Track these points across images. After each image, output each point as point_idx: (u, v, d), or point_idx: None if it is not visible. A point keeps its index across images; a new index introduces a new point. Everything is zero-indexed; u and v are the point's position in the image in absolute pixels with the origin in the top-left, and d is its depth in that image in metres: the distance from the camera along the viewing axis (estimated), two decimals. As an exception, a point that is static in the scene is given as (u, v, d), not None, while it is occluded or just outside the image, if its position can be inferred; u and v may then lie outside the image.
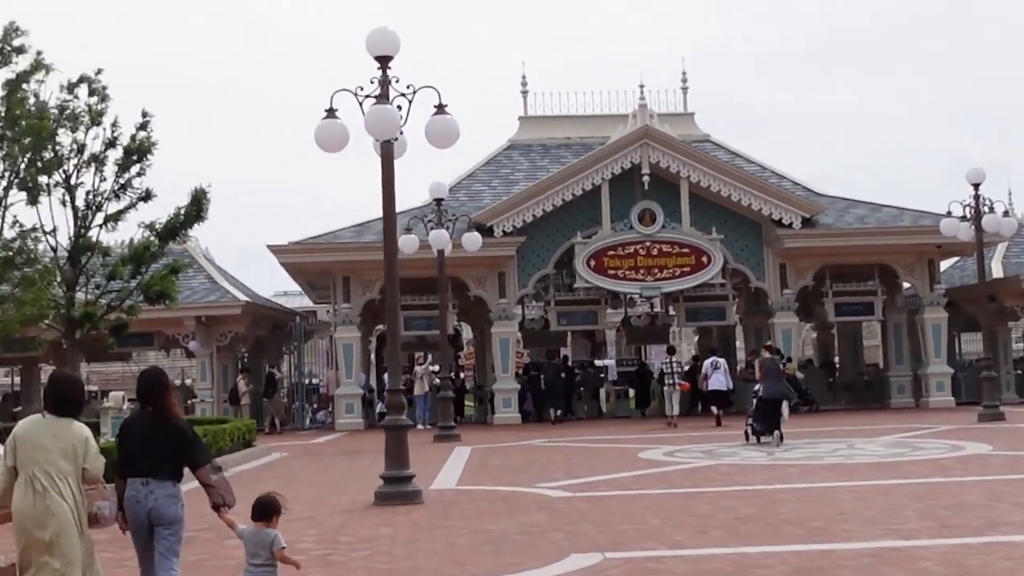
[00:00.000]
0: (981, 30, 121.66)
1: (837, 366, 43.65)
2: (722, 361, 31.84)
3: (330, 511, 14.56)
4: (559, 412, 34.35)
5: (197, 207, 23.09)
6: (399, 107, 15.45)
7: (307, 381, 44.31)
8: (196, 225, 23.41)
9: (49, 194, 22.43)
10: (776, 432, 22.20)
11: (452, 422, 27.28)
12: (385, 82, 15.41)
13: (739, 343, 43.87)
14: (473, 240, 27.73)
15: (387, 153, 15.48)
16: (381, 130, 15.00)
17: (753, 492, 14.99)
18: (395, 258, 15.66)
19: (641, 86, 36.29)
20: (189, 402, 37.80)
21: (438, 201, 27.31)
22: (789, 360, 34.69)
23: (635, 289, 35.15)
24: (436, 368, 30.53)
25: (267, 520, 7.82)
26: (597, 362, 48.62)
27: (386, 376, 37.79)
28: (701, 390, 33.04)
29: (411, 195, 32.59)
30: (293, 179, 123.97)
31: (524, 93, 39.76)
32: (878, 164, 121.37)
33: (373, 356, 46.48)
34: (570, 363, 38.56)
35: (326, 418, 38.43)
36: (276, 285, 56.79)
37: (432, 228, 27.01)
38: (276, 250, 33.85)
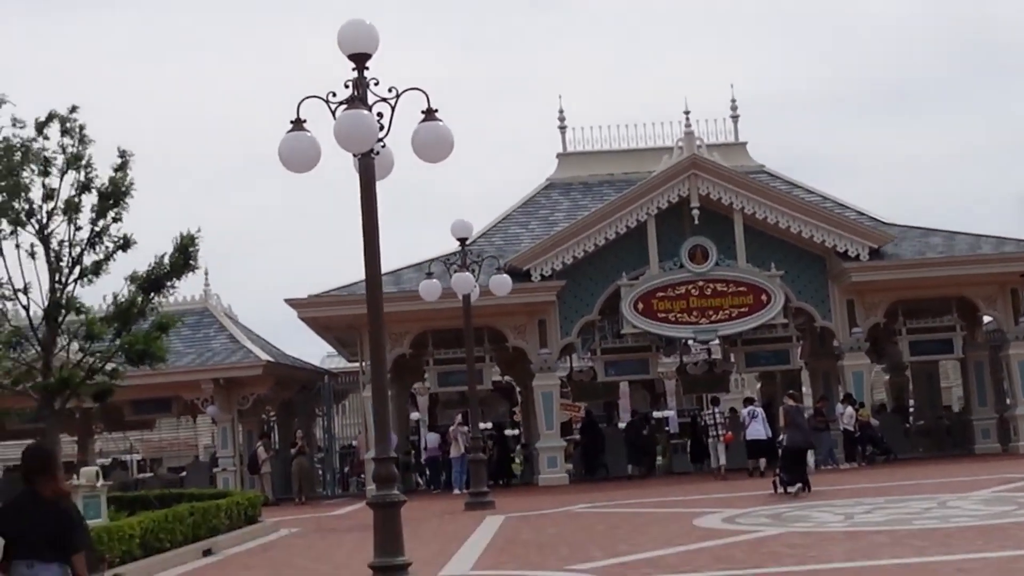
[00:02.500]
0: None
1: (912, 410, 40.29)
2: (760, 410, 29.28)
3: (303, 613, 11.75)
4: (643, 469, 33.20)
5: (184, 255, 20.57)
6: (379, 115, 12.72)
7: (349, 444, 41.63)
8: (185, 275, 20.91)
9: (17, 245, 20.04)
10: (802, 482, 22.01)
11: (484, 487, 24.32)
12: (361, 84, 12.65)
13: (805, 388, 40.60)
14: (502, 284, 24.88)
15: (366, 170, 12.71)
16: (354, 140, 12.23)
17: (834, 574, 11.94)
18: (379, 297, 12.86)
19: (687, 113, 33.38)
20: (214, 471, 35.17)
21: (462, 241, 24.47)
22: (862, 406, 31.68)
23: (688, 333, 32.15)
24: (467, 428, 27.60)
25: None
26: (656, 414, 45.95)
27: (426, 437, 35.48)
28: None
29: (446, 246, 29.56)
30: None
31: (562, 128, 37.03)
32: (941, 207, 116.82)
33: (427, 416, 43.97)
34: (635, 417, 36.66)
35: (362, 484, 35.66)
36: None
37: (456, 272, 24.19)
38: (294, 304, 31.21)
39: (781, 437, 23.42)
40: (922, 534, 14.74)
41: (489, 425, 47.60)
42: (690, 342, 36.09)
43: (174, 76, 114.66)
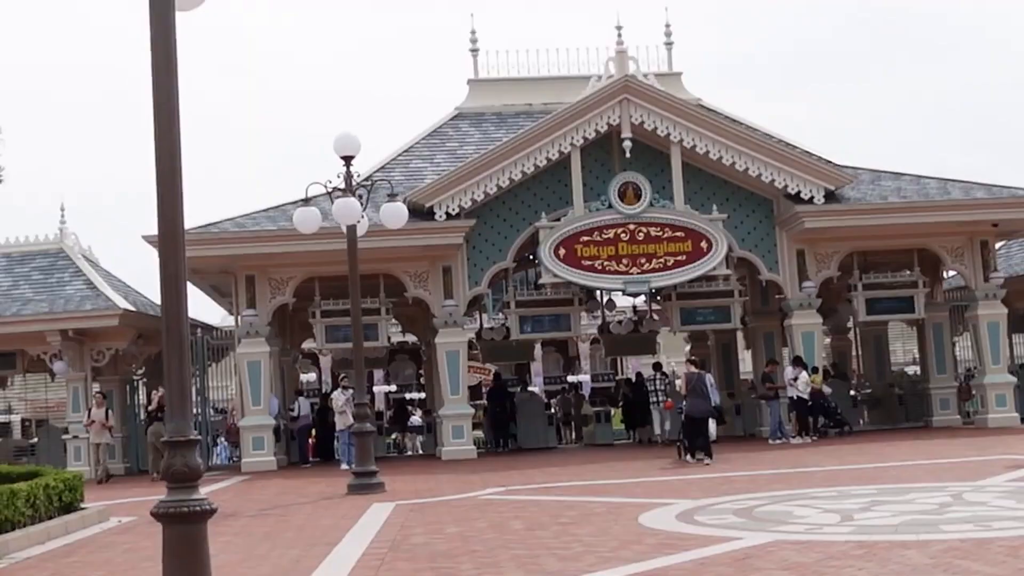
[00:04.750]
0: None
1: (856, 377, 36.46)
2: (708, 376, 25.20)
3: None
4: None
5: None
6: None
7: (227, 408, 36.86)
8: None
9: None
10: (704, 451, 21.92)
11: (372, 466, 19.73)
12: None
13: (741, 353, 36.58)
14: (396, 213, 20.22)
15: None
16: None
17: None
18: (177, 190, 8.16)
19: (619, 28, 28.95)
20: (63, 439, 30.27)
21: (347, 160, 19.67)
22: (815, 371, 27.68)
23: (617, 284, 27.85)
24: (351, 393, 23.10)
25: None
26: (570, 378, 42.36)
27: (298, 403, 31.00)
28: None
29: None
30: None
31: (474, 51, 32.36)
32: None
33: (329, 378, 39.68)
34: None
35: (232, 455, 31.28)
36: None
37: (339, 197, 19.49)
38: (152, 241, 26.25)
39: (682, 404, 23.06)
40: (971, 549, 10.38)
41: (394, 388, 43.40)
42: (614, 297, 32.07)
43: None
